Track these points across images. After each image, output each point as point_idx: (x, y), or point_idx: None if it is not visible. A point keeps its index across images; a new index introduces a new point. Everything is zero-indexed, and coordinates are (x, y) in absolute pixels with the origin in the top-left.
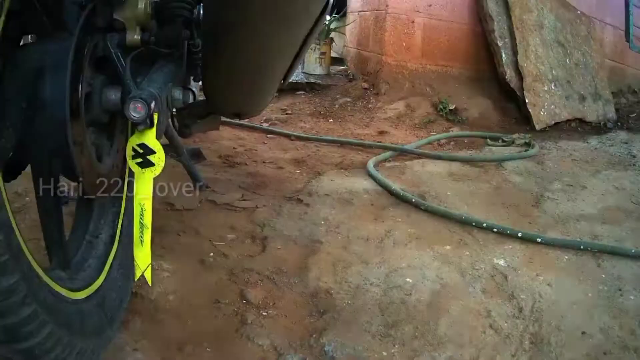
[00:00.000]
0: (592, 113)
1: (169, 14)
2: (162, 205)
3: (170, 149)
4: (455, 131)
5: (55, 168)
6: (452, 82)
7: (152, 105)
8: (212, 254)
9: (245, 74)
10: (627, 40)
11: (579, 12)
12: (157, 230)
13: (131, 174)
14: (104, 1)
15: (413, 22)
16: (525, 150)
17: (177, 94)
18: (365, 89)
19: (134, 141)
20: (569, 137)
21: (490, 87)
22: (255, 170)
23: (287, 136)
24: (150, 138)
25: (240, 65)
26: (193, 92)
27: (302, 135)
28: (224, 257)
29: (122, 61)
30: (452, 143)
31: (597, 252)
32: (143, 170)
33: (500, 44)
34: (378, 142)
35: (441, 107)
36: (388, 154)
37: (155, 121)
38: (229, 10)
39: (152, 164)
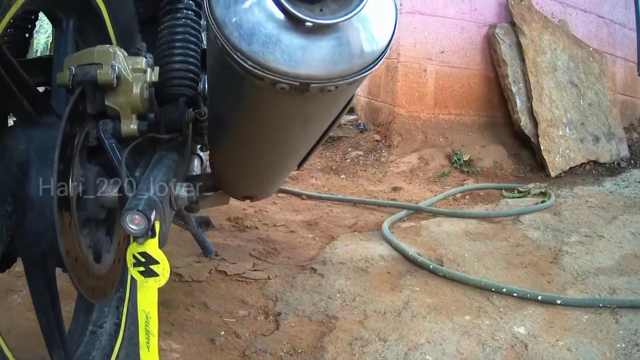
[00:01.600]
0: (605, 154)
1: (170, 93)
2: (169, 275)
3: (177, 217)
4: (470, 183)
5: (49, 265)
6: (466, 131)
7: (152, 216)
8: (222, 332)
9: (253, 166)
10: (639, 74)
11: (591, 49)
12: (165, 305)
13: None
14: (93, 86)
15: (425, 70)
16: (542, 202)
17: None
18: (377, 141)
19: (134, 249)
20: (584, 182)
21: (504, 133)
22: (267, 235)
23: (299, 195)
24: (152, 247)
25: (248, 158)
26: (201, 159)
27: (314, 194)
28: (235, 336)
29: (118, 153)
30: (467, 197)
31: (616, 307)
32: (146, 279)
33: (514, 89)
34: (392, 199)
35: (455, 158)
36: (403, 213)
37: (157, 230)
38: (235, 113)
39: (156, 274)
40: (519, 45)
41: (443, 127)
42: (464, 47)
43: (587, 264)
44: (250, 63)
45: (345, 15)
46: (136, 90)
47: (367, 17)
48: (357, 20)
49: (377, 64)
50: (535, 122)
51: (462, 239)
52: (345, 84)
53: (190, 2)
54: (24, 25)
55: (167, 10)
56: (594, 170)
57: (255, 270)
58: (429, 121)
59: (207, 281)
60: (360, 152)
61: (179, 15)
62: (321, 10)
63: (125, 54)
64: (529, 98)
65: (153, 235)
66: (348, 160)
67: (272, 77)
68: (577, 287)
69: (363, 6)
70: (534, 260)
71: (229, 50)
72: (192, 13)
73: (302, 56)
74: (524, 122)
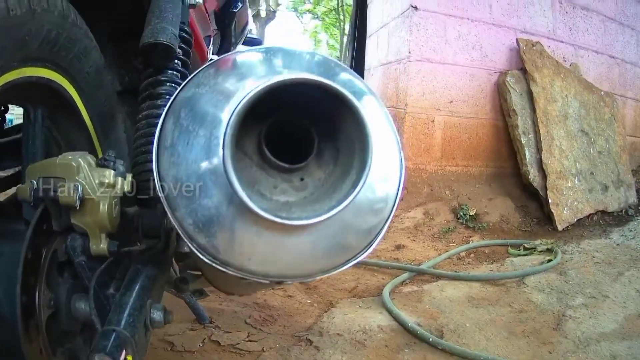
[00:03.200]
0: (614, 202)
1: (146, 200)
2: (161, 343)
3: (169, 285)
4: (476, 239)
5: None
6: (473, 182)
7: (122, 356)
8: None
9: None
10: None
11: (602, 92)
12: None
13: None
14: (56, 204)
15: (433, 121)
16: (548, 261)
17: (158, 315)
18: None
19: None
20: (591, 234)
21: (511, 184)
22: (263, 300)
23: None
24: None
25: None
26: None
27: None
28: None
29: (87, 272)
30: (472, 255)
31: None
32: None
33: (524, 140)
34: (395, 259)
35: (461, 213)
36: (405, 275)
37: None
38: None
39: None
40: (529, 94)
41: (450, 179)
42: (474, 96)
43: (590, 329)
44: (208, 257)
45: (332, 209)
46: (103, 208)
47: (364, 199)
48: (348, 208)
49: (368, 250)
50: (544, 174)
51: (465, 305)
52: (327, 275)
53: (173, 85)
54: None
55: (147, 95)
56: (602, 220)
57: (249, 340)
58: (435, 173)
59: (199, 351)
60: None
61: (158, 102)
62: (302, 179)
63: (93, 162)
64: (539, 149)
65: None
66: None
67: (236, 273)
68: (579, 356)
69: (357, 192)
70: (537, 327)
71: (184, 236)
72: None
73: (273, 255)
74: (533, 174)
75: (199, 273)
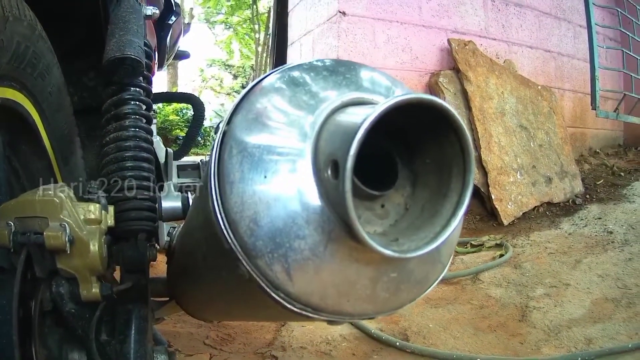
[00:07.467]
0: (559, 193)
1: (126, 230)
2: None
3: None
4: None
5: None
6: None
7: None
8: None
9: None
10: (593, 108)
11: (539, 87)
12: None
13: None
14: (39, 249)
15: None
16: (500, 255)
17: (163, 359)
18: None
19: None
20: (539, 226)
21: None
22: None
23: None
24: None
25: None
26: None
27: None
28: None
29: (80, 322)
30: None
31: (595, 358)
32: None
33: None
34: None
35: None
36: None
37: None
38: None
39: None
40: (464, 93)
41: None
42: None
43: (558, 317)
44: (299, 305)
45: (441, 235)
46: (94, 249)
47: None
48: None
49: (446, 268)
50: (484, 171)
51: (423, 306)
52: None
53: (138, 103)
54: None
55: (112, 116)
56: (548, 211)
57: None
58: None
59: None
60: None
61: (126, 123)
62: (382, 206)
63: (73, 196)
64: (477, 147)
65: None
66: None
67: (329, 318)
68: (552, 344)
69: (462, 215)
70: (502, 321)
71: (268, 287)
72: (141, 120)
73: (372, 292)
74: None
75: (166, 299)
